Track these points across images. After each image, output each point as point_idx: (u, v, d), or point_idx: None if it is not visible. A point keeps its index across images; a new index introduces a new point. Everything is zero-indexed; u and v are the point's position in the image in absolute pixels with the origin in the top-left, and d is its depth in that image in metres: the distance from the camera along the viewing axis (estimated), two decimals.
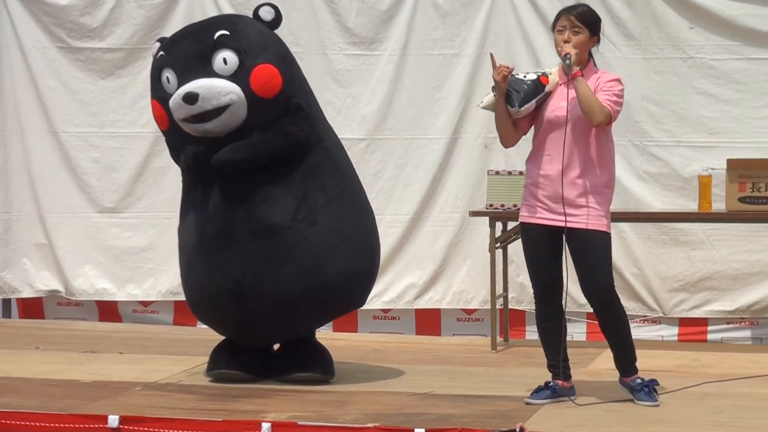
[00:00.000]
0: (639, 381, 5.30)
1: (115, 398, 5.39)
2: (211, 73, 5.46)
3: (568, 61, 5.07)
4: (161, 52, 5.62)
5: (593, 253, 5.16)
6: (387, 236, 7.34)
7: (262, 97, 5.49)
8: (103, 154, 7.59)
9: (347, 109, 7.36)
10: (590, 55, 5.23)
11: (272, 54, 5.57)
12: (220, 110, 5.46)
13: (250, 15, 5.74)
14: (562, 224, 5.15)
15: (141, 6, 7.51)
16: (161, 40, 5.78)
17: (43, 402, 5.26)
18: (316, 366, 5.72)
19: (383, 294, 7.37)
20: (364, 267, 5.72)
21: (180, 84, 5.49)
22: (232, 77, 5.47)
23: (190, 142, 5.56)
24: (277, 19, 5.70)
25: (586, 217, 5.13)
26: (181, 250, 5.79)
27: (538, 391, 5.32)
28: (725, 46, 6.92)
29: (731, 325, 7.12)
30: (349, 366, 6.25)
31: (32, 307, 7.85)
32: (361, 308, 7.36)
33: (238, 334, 5.75)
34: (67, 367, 6.13)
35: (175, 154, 5.72)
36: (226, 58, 5.48)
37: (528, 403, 5.28)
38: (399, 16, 7.28)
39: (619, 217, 6.60)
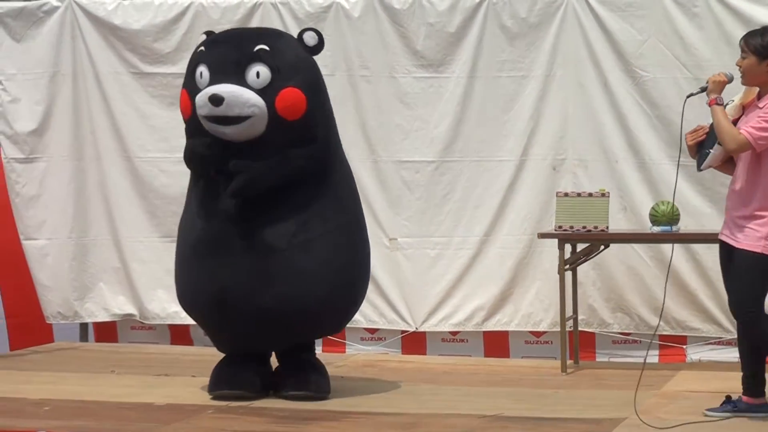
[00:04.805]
0: (738, 398, 5.41)
1: (187, 421, 5.45)
2: (242, 83, 5.69)
3: (701, 90, 5.44)
4: (202, 48, 5.87)
5: (737, 271, 5.31)
6: (456, 258, 7.35)
7: (283, 117, 5.72)
8: (172, 179, 7.66)
9: (416, 131, 7.38)
10: None
11: (303, 79, 5.79)
12: (240, 119, 5.69)
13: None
14: (730, 241, 5.34)
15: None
16: (208, 33, 6.02)
17: (118, 425, 5.34)
18: (310, 384, 5.87)
19: (451, 316, 7.36)
20: (343, 302, 5.95)
21: (211, 83, 5.73)
22: (261, 92, 5.70)
23: (205, 136, 5.78)
24: (319, 46, 5.92)
25: (741, 236, 5.29)
26: (180, 241, 6.02)
27: (721, 404, 5.42)
28: None
29: None
30: (419, 388, 6.26)
31: (107, 331, 7.94)
32: (430, 331, 7.44)
33: (217, 337, 6.01)
34: (142, 391, 6.21)
35: (188, 140, 5.93)
36: (259, 72, 5.71)
37: (705, 415, 5.36)
38: (467, 39, 7.29)
39: (692, 238, 6.57)
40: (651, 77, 7.04)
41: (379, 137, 7.40)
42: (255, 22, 7.52)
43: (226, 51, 5.80)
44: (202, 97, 5.69)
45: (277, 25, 7.46)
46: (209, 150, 5.76)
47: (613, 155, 7.13)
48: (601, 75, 7.12)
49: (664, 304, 5.96)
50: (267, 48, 5.75)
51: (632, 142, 7.11)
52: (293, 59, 5.81)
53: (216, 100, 5.63)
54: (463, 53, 7.30)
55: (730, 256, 5.37)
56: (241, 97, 5.65)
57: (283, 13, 7.50)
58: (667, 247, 6.98)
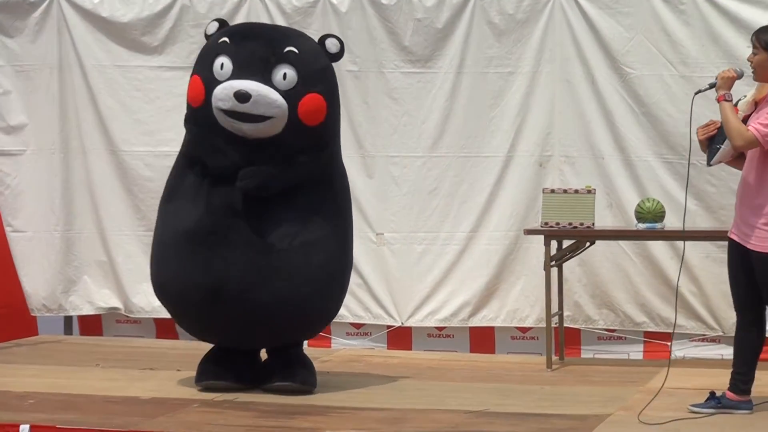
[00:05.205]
0: (722, 394, 5.44)
1: (173, 415, 5.44)
2: (268, 82, 5.63)
3: (710, 86, 5.41)
4: (225, 39, 5.75)
5: (760, 274, 5.29)
6: (443, 254, 7.36)
7: (302, 122, 5.69)
8: (156, 173, 7.63)
9: (403, 126, 7.39)
10: None
11: (326, 87, 5.79)
12: (262, 118, 5.65)
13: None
14: (741, 242, 5.33)
15: (198, 25, 7.59)
16: (221, 21, 5.92)
17: (103, 419, 5.33)
18: (296, 376, 5.85)
19: (438, 312, 7.37)
20: (332, 308, 5.98)
21: (234, 77, 5.64)
22: (284, 94, 5.64)
23: (212, 129, 5.70)
24: (340, 54, 5.90)
25: (753, 238, 5.29)
26: (163, 231, 5.90)
27: (705, 400, 5.42)
28: None
29: None
30: (405, 383, 6.27)
31: (91, 325, 7.93)
32: (416, 326, 7.45)
33: (196, 326, 5.94)
34: (127, 384, 6.20)
35: (192, 127, 5.83)
36: (287, 74, 5.66)
37: (690, 411, 5.38)
38: (455, 35, 7.30)
39: (677, 235, 6.57)
40: (638, 74, 7.06)
41: (367, 132, 7.41)
42: (241, 17, 7.51)
43: (255, 48, 5.70)
44: (225, 91, 5.62)
45: (263, 19, 7.45)
46: (228, 148, 5.70)
47: (599, 152, 7.15)
48: (588, 72, 7.13)
49: (676, 302, 6.05)
50: (296, 51, 5.71)
51: (619, 138, 7.13)
52: (319, 66, 5.79)
53: (242, 96, 5.57)
54: (450, 49, 7.31)
55: (740, 255, 5.35)
56: (268, 97, 5.60)
57: (270, 8, 7.50)
58: (652, 244, 7.01)
